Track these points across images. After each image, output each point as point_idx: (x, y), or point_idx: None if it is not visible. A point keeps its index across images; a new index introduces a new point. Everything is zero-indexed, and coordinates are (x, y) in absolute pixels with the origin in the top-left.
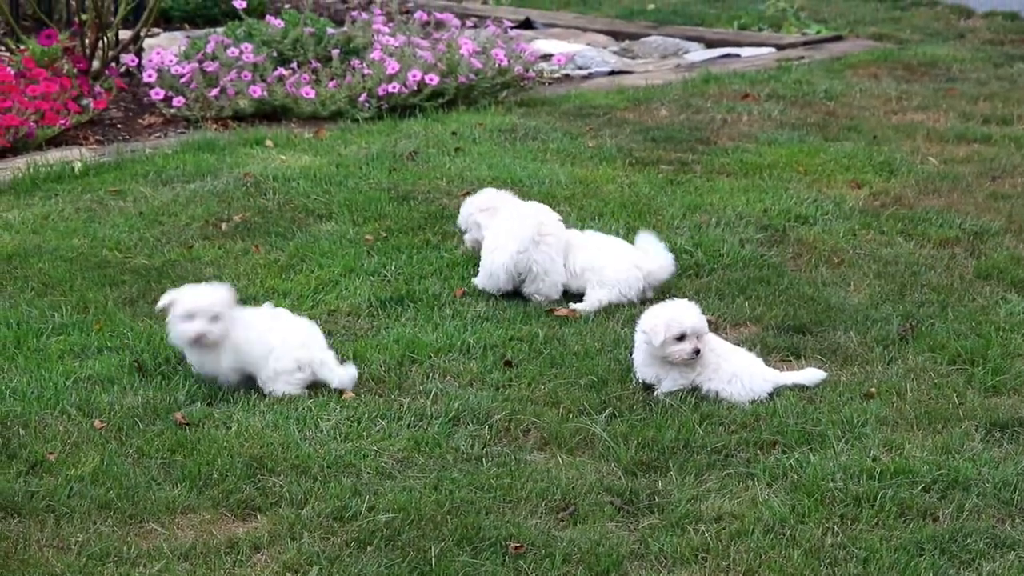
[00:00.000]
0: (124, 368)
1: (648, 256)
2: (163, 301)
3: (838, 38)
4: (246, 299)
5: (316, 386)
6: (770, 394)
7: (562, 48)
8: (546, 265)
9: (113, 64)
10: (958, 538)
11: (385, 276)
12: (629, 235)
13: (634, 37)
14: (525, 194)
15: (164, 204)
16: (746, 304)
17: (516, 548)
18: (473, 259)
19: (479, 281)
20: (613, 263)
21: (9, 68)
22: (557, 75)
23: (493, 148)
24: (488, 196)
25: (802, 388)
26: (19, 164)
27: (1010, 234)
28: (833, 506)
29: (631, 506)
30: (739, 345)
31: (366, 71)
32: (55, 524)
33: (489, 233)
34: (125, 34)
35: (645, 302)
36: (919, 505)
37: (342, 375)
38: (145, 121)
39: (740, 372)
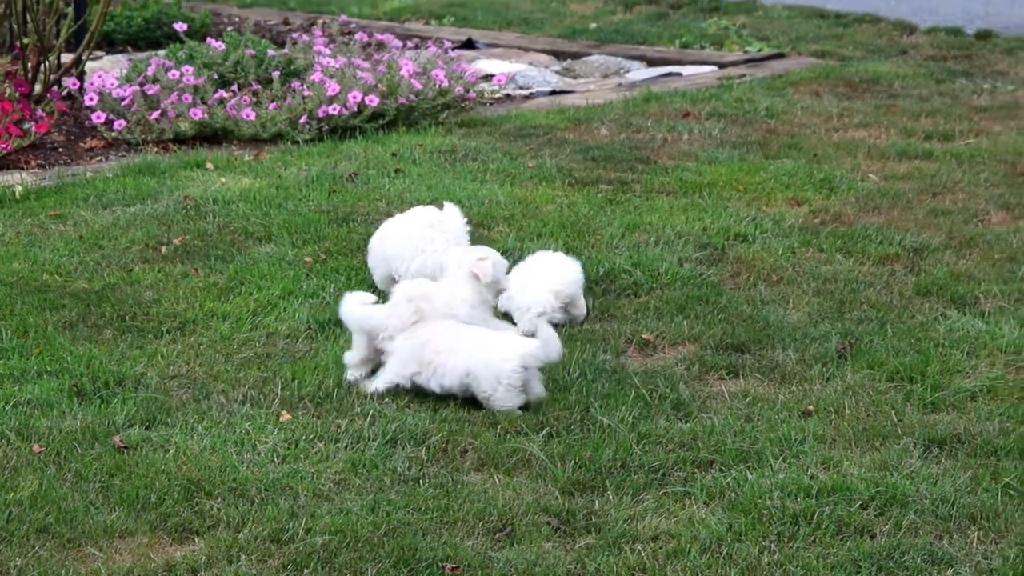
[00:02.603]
0: (63, 392)
1: (558, 275)
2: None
3: (780, 56)
4: (184, 323)
5: (255, 407)
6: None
7: (503, 68)
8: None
9: (55, 88)
10: (895, 555)
11: (324, 298)
12: (567, 255)
13: (576, 56)
14: (464, 215)
15: (104, 228)
16: (684, 323)
17: (453, 569)
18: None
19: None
20: (524, 289)
21: None
22: (498, 95)
23: (433, 169)
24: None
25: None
26: None
27: (950, 250)
28: (770, 524)
29: (568, 526)
30: (678, 365)
31: (306, 93)
32: None
33: (393, 239)
34: (67, 57)
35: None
36: (856, 522)
37: None
38: (86, 144)
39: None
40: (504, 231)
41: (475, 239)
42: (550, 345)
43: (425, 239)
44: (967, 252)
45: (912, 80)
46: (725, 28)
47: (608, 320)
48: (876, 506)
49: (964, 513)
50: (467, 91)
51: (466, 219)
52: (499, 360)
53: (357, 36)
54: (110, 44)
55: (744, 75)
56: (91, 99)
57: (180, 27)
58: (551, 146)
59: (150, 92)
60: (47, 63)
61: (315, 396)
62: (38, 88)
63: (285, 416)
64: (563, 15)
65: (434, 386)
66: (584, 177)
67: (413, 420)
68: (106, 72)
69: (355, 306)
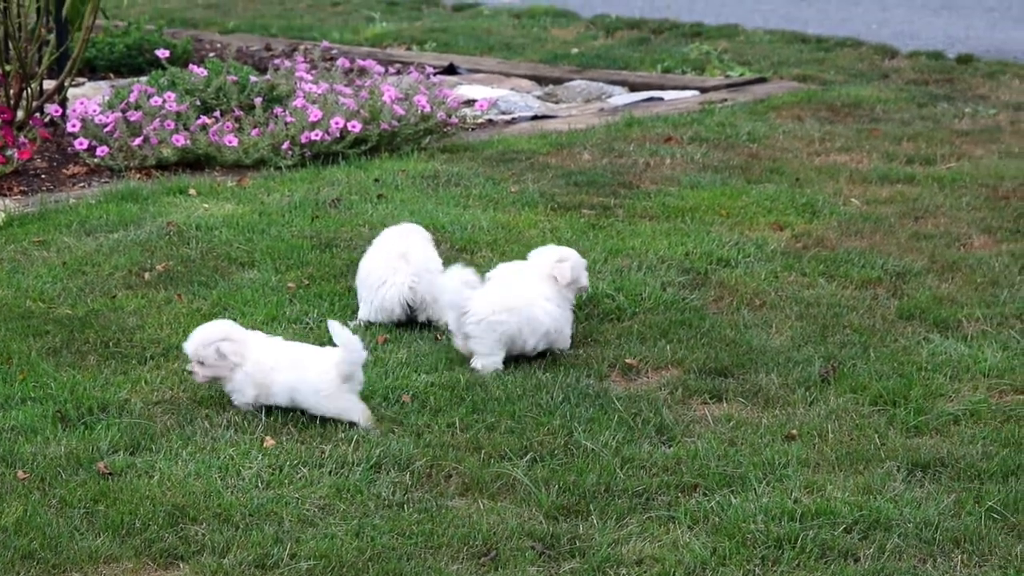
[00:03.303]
0: (47, 418)
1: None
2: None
3: (762, 80)
4: (168, 349)
5: (239, 433)
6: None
7: (485, 93)
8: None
9: (37, 114)
10: None
11: (307, 324)
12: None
13: (558, 81)
14: (447, 240)
15: (88, 254)
16: (668, 347)
17: None
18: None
19: (365, 317)
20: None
21: None
22: (480, 121)
23: (416, 195)
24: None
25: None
26: None
27: (932, 274)
28: (754, 548)
29: (552, 551)
30: (661, 389)
31: (289, 119)
32: None
33: (370, 264)
34: (49, 84)
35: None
36: (840, 546)
37: None
38: (69, 171)
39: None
40: (487, 256)
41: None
42: (352, 347)
43: (389, 270)
44: (949, 276)
45: (894, 104)
46: (707, 53)
47: (591, 345)
48: (860, 530)
49: (948, 537)
50: (449, 116)
51: (447, 244)
52: (316, 375)
53: (339, 62)
54: (92, 70)
55: (726, 100)
56: (73, 125)
57: (162, 53)
58: (533, 171)
59: (132, 118)
60: (29, 90)
61: (299, 421)
62: (20, 115)
63: (269, 441)
64: (544, 40)
65: (274, 403)
66: (567, 202)
67: (397, 445)
68: (88, 98)
69: (450, 285)
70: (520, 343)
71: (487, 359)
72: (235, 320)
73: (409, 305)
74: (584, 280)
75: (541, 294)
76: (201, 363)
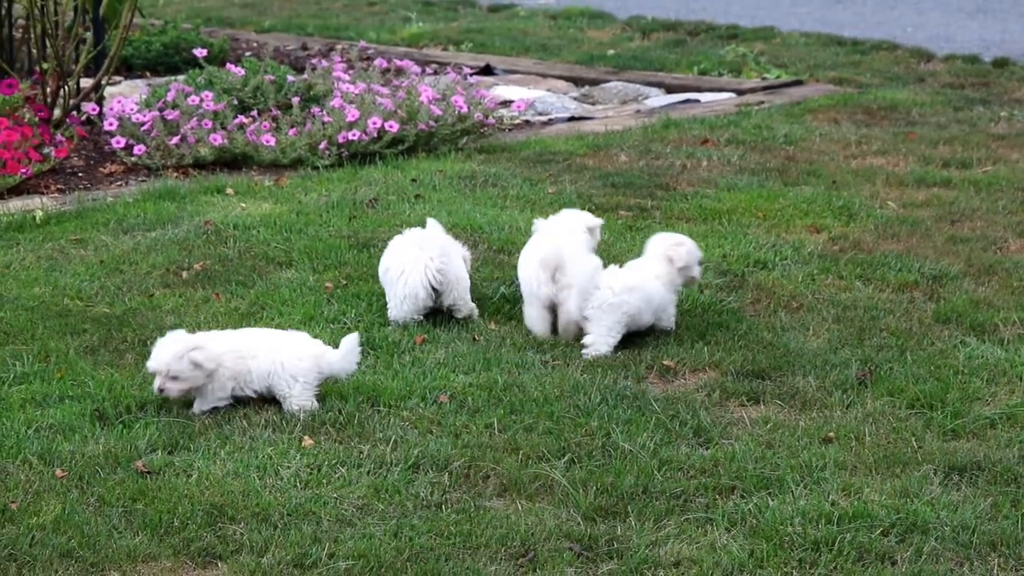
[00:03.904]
0: (85, 417)
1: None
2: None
3: (798, 83)
4: None
5: (277, 432)
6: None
7: (522, 94)
8: (458, 272)
9: (74, 112)
10: None
11: (345, 323)
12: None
13: (594, 83)
14: (484, 240)
15: (125, 252)
16: (705, 349)
17: None
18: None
19: (394, 313)
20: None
21: None
22: (517, 121)
23: (453, 195)
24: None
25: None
26: None
27: (969, 278)
28: (792, 551)
29: (590, 552)
30: (698, 391)
31: (326, 118)
32: (17, 572)
33: (386, 262)
34: (86, 82)
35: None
36: (878, 549)
37: None
38: (106, 169)
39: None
40: None
41: (495, 265)
42: (351, 357)
43: (407, 260)
44: (986, 280)
45: (930, 107)
46: (743, 55)
47: (629, 346)
48: (897, 533)
49: (985, 540)
50: (486, 117)
51: (485, 245)
52: (295, 359)
53: (376, 62)
54: (128, 69)
55: (762, 102)
56: (111, 124)
57: (200, 52)
58: (570, 172)
59: (170, 117)
60: (66, 88)
61: (337, 421)
62: (57, 113)
63: (307, 441)
64: (580, 41)
65: (249, 392)
66: (604, 203)
67: (435, 445)
68: (125, 97)
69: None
70: (639, 320)
71: (603, 341)
72: (273, 320)
73: (434, 288)
74: (696, 271)
75: (653, 272)
76: (175, 378)
